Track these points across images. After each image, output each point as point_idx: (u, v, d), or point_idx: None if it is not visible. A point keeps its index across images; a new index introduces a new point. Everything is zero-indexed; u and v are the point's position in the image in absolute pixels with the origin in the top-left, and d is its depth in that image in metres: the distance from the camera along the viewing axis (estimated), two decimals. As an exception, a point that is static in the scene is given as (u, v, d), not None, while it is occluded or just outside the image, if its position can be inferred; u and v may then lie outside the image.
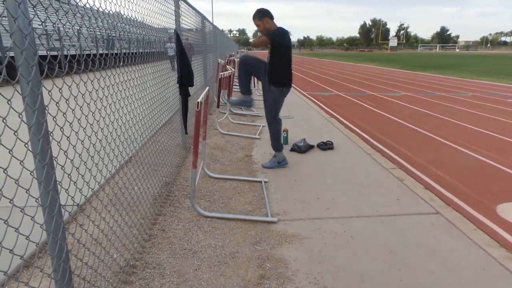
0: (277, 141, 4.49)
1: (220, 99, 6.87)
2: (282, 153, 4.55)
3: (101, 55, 2.37)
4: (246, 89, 4.39)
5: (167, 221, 3.08)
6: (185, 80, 4.00)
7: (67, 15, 1.54)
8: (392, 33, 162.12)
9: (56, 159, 1.38)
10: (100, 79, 1.99)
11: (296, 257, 2.60)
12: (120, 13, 2.52)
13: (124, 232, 2.51)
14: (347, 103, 10.65)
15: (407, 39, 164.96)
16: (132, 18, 2.76)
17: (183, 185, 3.90)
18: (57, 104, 1.41)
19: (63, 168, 1.52)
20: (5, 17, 1.19)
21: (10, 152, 1.14)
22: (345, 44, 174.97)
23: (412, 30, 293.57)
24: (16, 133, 1.19)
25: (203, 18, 7.89)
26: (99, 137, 2.02)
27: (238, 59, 4.38)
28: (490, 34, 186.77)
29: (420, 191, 3.87)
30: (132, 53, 2.78)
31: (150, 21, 3.41)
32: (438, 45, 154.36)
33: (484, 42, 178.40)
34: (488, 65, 34.05)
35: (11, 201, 1.15)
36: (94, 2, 1.92)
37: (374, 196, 3.69)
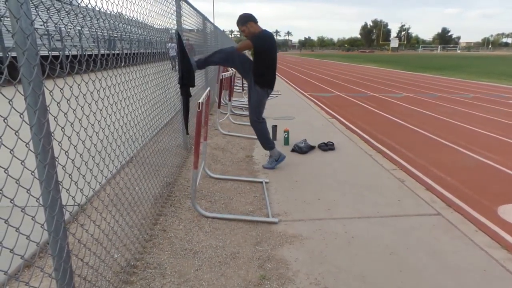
0: (265, 140, 4.49)
1: (221, 100, 6.87)
2: (275, 149, 4.55)
3: (102, 55, 2.37)
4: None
5: (168, 221, 3.08)
6: (186, 80, 4.00)
7: (69, 15, 1.54)
8: (393, 34, 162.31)
9: (57, 159, 1.39)
10: (102, 80, 2.00)
11: (297, 257, 2.60)
12: (122, 13, 2.53)
13: (125, 232, 2.51)
14: (348, 104, 10.65)
15: (408, 40, 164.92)
16: (133, 19, 2.77)
17: (184, 185, 3.90)
18: (58, 104, 1.41)
19: (64, 168, 1.52)
20: (7, 17, 1.19)
21: (11, 152, 1.14)
22: (346, 45, 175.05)
23: (414, 31, 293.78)
24: (17, 133, 1.19)
25: (204, 18, 7.90)
26: (100, 137, 2.02)
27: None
28: (492, 35, 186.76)
29: (421, 192, 3.86)
30: (134, 53, 2.79)
31: (152, 22, 3.41)
32: (439, 46, 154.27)
33: (486, 43, 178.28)
34: (490, 66, 34.01)
35: (12, 201, 1.15)
36: (96, 3, 1.93)
37: (375, 197, 3.69)
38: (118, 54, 2.50)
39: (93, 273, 2.14)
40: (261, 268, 2.47)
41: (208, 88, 3.56)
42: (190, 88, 4.21)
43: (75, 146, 1.63)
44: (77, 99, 1.65)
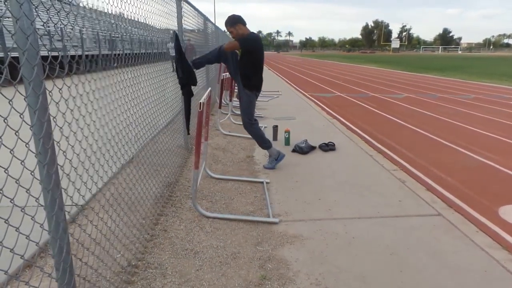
0: (261, 140, 4.50)
1: (222, 100, 6.87)
2: (273, 148, 4.56)
3: (103, 55, 2.38)
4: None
5: (169, 221, 3.08)
6: (186, 80, 4.00)
7: (68, 15, 1.55)
8: (395, 34, 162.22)
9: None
10: (102, 80, 2.00)
11: (298, 258, 2.60)
12: (123, 14, 2.53)
13: (126, 232, 2.51)
14: (349, 104, 10.64)
15: (410, 41, 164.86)
16: (135, 19, 2.77)
17: (185, 185, 3.91)
18: (57, 105, 1.41)
19: (62, 168, 1.52)
20: (7, 17, 1.20)
21: (11, 152, 1.14)
22: (347, 46, 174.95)
23: (415, 32, 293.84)
24: (17, 133, 1.19)
25: (205, 19, 7.91)
26: (101, 137, 2.02)
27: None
28: (493, 36, 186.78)
29: (422, 192, 3.86)
30: (135, 53, 2.79)
31: (153, 22, 3.42)
32: (440, 46, 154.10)
33: (487, 44, 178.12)
34: (491, 67, 33.97)
35: (12, 201, 1.15)
36: (98, 3, 1.93)
37: (376, 198, 3.69)
38: (119, 55, 2.50)
39: (93, 273, 2.14)
40: (262, 268, 2.47)
41: (209, 88, 3.57)
42: (192, 87, 4.21)
43: (80, 144, 1.63)
44: (77, 98, 1.65)
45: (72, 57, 1.54)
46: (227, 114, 7.64)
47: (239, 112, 8.33)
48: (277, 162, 4.56)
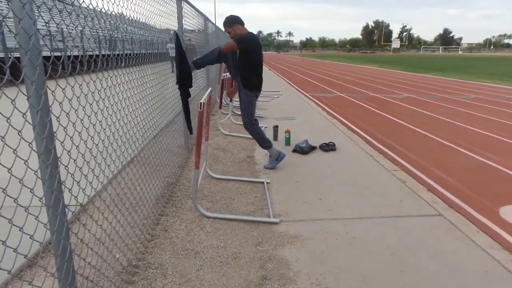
0: (262, 140, 4.50)
1: (223, 100, 6.88)
2: (274, 148, 4.56)
3: (103, 55, 2.38)
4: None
5: (169, 221, 3.08)
6: (183, 81, 4.01)
7: (70, 16, 1.55)
8: (395, 34, 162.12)
9: (59, 159, 1.39)
10: (103, 80, 2.00)
11: (298, 258, 2.60)
12: (123, 14, 2.53)
13: (126, 232, 2.51)
14: (349, 105, 10.65)
15: (410, 41, 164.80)
16: (135, 19, 2.77)
17: (185, 185, 3.91)
18: (61, 104, 1.42)
19: (66, 168, 1.52)
20: (10, 18, 1.20)
21: (15, 152, 1.14)
22: (347, 46, 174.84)
23: (415, 32, 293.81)
24: (20, 133, 1.19)
25: (206, 19, 7.91)
26: (102, 137, 2.03)
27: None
28: (494, 36, 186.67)
29: (423, 193, 3.86)
30: (135, 54, 2.79)
31: (153, 22, 3.42)
32: (441, 47, 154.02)
33: (488, 44, 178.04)
34: (491, 67, 33.96)
35: (16, 200, 1.15)
36: (97, 3, 1.94)
37: (376, 198, 3.69)
38: (119, 55, 2.51)
39: (95, 273, 2.14)
40: (262, 268, 2.47)
41: (210, 89, 3.57)
42: (189, 89, 4.21)
43: (77, 146, 1.63)
44: (78, 99, 1.65)
45: (76, 57, 1.54)
46: (228, 114, 7.64)
47: (239, 112, 8.34)
48: (277, 162, 4.56)
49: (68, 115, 1.45)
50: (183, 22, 4.82)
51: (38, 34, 1.25)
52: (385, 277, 2.40)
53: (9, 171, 1.14)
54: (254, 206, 3.47)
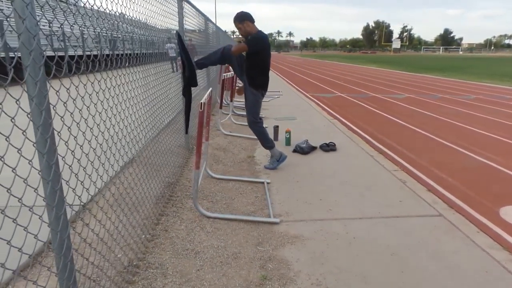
0: (265, 139, 4.50)
1: (223, 100, 6.88)
2: (275, 149, 4.56)
3: (107, 55, 2.38)
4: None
5: (169, 221, 3.09)
6: (189, 80, 4.01)
7: (74, 15, 1.55)
8: (395, 35, 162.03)
9: (63, 159, 1.39)
10: (102, 80, 2.00)
11: (298, 258, 2.61)
12: (125, 14, 2.54)
13: (127, 232, 2.52)
14: (350, 105, 10.65)
15: (411, 41, 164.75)
16: (136, 19, 2.78)
17: (185, 185, 3.91)
18: (65, 104, 1.42)
19: (71, 167, 1.53)
20: (13, 18, 1.20)
21: (19, 151, 1.15)
22: (348, 46, 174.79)
23: (416, 32, 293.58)
24: (24, 133, 1.20)
25: (206, 19, 7.91)
26: (105, 137, 2.03)
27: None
28: (494, 37, 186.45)
29: (423, 193, 3.86)
30: (136, 54, 2.80)
31: (154, 22, 3.42)
32: (441, 47, 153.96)
33: (488, 44, 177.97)
34: (492, 67, 33.95)
35: (20, 200, 1.16)
36: (101, 4, 1.94)
37: (377, 198, 3.69)
38: (122, 55, 2.51)
39: (97, 272, 2.15)
40: (263, 268, 2.47)
41: (210, 89, 3.58)
42: (192, 88, 4.21)
43: (81, 146, 1.64)
44: (83, 99, 1.66)
45: (80, 56, 1.54)
46: (228, 114, 7.64)
47: (239, 112, 8.34)
48: (278, 163, 4.56)
49: (72, 115, 1.45)
50: (184, 22, 4.82)
51: (41, 34, 1.25)
52: (385, 277, 2.40)
53: (14, 170, 1.14)
54: (254, 206, 3.48)
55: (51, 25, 1.43)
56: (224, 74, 6.79)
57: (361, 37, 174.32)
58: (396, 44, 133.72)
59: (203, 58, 4.37)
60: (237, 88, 5.06)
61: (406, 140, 6.45)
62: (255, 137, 6.08)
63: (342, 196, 3.73)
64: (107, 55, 2.34)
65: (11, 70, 1.10)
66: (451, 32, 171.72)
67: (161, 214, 3.19)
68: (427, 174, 4.69)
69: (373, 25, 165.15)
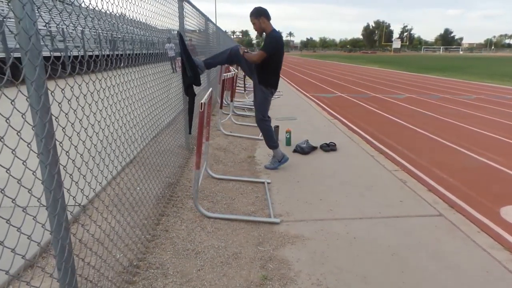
0: (270, 139, 4.50)
1: (223, 100, 6.88)
2: (279, 149, 4.55)
3: (107, 56, 2.38)
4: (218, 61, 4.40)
5: (170, 221, 3.08)
6: (192, 80, 4.01)
7: (70, 16, 1.55)
8: (396, 35, 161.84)
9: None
10: (102, 80, 2.00)
11: (299, 258, 2.60)
12: (125, 14, 2.53)
13: (127, 232, 2.51)
14: (350, 105, 10.64)
15: (411, 41, 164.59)
16: (136, 20, 2.77)
17: (186, 185, 3.91)
18: (60, 105, 1.42)
19: (65, 168, 1.52)
20: (10, 18, 1.20)
21: (13, 152, 1.14)
22: (348, 46, 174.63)
23: (416, 32, 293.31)
24: (19, 133, 1.19)
25: (207, 19, 7.91)
26: (101, 137, 2.03)
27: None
28: (494, 37, 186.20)
29: (423, 193, 3.85)
30: (136, 54, 2.79)
31: (154, 22, 3.42)
32: (441, 47, 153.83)
33: (488, 44, 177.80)
34: (492, 67, 33.92)
35: (13, 201, 1.15)
36: (102, 4, 1.94)
37: (377, 198, 3.68)
38: (121, 55, 2.51)
39: (95, 273, 2.14)
40: (263, 268, 2.47)
41: (210, 89, 3.57)
42: (194, 88, 4.21)
43: (81, 145, 1.63)
44: (77, 99, 1.65)
45: (75, 57, 1.54)
46: (228, 114, 7.64)
47: (240, 112, 8.34)
48: (279, 164, 4.55)
49: (67, 116, 1.44)
50: (184, 22, 4.82)
51: (38, 35, 1.24)
52: (385, 277, 2.39)
53: (8, 171, 1.14)
54: (254, 206, 3.47)
55: (48, 25, 1.42)
56: (224, 74, 6.79)
57: (361, 37, 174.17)
58: (396, 44, 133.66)
59: (211, 58, 4.37)
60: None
61: (407, 140, 6.44)
62: (255, 137, 6.10)
63: (343, 196, 3.72)
64: (107, 55, 2.34)
65: (8, 70, 1.10)
66: (452, 32, 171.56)
67: (162, 214, 3.18)
68: (428, 174, 4.68)
69: (373, 25, 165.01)
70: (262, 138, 6.05)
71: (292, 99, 11.07)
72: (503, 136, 6.80)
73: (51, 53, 1.30)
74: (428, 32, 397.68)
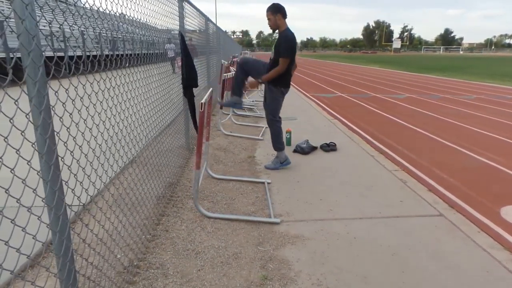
0: (278, 140, 4.50)
1: (224, 100, 6.88)
2: (283, 152, 4.55)
3: (106, 56, 2.38)
4: (238, 91, 4.41)
5: (170, 221, 3.09)
6: (189, 81, 4.01)
7: (73, 16, 1.56)
8: (396, 35, 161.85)
9: (62, 159, 1.39)
10: (101, 81, 2.00)
11: (299, 258, 2.61)
12: (125, 14, 2.54)
13: (128, 232, 2.52)
14: (350, 105, 10.64)
15: (411, 41, 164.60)
16: (136, 20, 2.78)
17: (186, 186, 3.91)
18: (64, 105, 1.42)
19: (69, 168, 1.53)
20: (12, 18, 1.20)
21: (17, 152, 1.15)
22: (348, 46, 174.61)
23: (416, 32, 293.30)
24: (23, 133, 1.20)
25: (207, 19, 7.91)
26: (104, 137, 2.03)
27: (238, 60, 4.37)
28: (495, 36, 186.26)
29: (424, 193, 3.86)
30: (136, 54, 2.80)
31: (155, 23, 3.42)
32: (442, 47, 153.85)
33: (489, 44, 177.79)
34: (493, 67, 33.92)
35: (18, 201, 1.16)
36: (101, 4, 1.94)
37: (377, 198, 3.69)
38: (122, 55, 2.51)
39: (97, 273, 2.15)
40: (263, 268, 2.47)
41: (211, 89, 3.57)
42: (193, 89, 4.22)
43: (80, 146, 1.64)
44: (82, 99, 1.66)
45: (79, 57, 1.54)
46: (228, 114, 7.64)
47: (240, 113, 8.34)
48: (281, 166, 4.55)
49: (71, 116, 1.45)
50: (184, 22, 4.82)
51: (41, 35, 1.25)
52: (385, 277, 2.40)
53: (12, 171, 1.14)
54: (255, 206, 3.48)
55: (50, 25, 1.43)
56: (224, 75, 6.79)
57: (361, 37, 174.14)
58: (397, 44, 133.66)
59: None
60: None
61: (407, 140, 6.45)
62: (256, 137, 6.10)
63: (343, 196, 3.73)
64: (107, 56, 2.34)
65: (10, 70, 1.10)
66: (452, 32, 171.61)
67: (162, 214, 3.19)
68: (428, 174, 4.68)
69: (374, 25, 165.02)
70: (262, 138, 6.07)
71: (292, 99, 11.07)
72: (503, 136, 6.80)
73: (55, 53, 1.30)
74: (428, 32, 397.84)
